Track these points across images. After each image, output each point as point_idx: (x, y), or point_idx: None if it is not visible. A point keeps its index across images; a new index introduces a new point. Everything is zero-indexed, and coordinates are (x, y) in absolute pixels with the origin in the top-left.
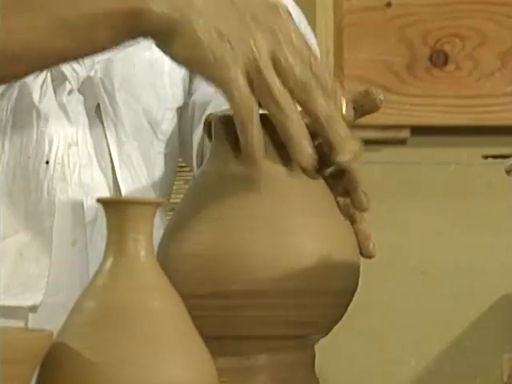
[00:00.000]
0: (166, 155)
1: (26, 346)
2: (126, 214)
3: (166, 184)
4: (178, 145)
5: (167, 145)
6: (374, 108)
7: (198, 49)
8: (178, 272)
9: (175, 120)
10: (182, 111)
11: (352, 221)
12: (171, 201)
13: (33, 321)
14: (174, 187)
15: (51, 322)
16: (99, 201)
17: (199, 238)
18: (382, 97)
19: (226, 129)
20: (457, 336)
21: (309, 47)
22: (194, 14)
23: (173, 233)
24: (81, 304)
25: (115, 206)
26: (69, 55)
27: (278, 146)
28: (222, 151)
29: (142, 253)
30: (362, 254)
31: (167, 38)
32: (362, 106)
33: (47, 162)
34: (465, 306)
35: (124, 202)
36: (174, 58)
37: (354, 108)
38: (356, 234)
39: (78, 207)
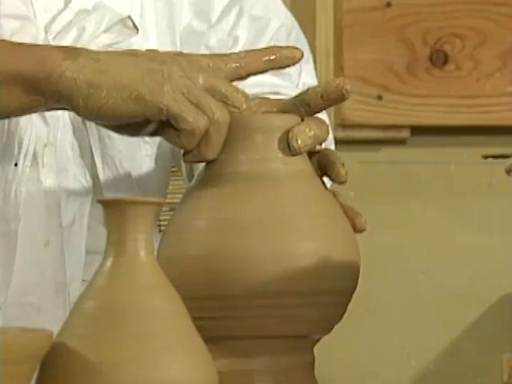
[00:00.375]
0: (155, 158)
1: (25, 346)
2: (126, 213)
3: (156, 187)
4: (172, 155)
5: (156, 148)
6: (340, 97)
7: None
8: (178, 273)
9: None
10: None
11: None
12: (170, 200)
13: (3, 320)
14: (171, 187)
15: (21, 322)
16: (99, 201)
17: (198, 239)
18: (348, 87)
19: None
20: (457, 336)
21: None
22: (106, 78)
23: (172, 233)
24: (81, 304)
25: (115, 206)
26: None
27: (277, 147)
28: (220, 153)
29: (142, 252)
30: (354, 229)
31: (83, 101)
32: (330, 95)
33: (16, 165)
34: (465, 305)
35: (124, 202)
36: (89, 116)
37: (322, 97)
38: (344, 210)
39: (52, 208)
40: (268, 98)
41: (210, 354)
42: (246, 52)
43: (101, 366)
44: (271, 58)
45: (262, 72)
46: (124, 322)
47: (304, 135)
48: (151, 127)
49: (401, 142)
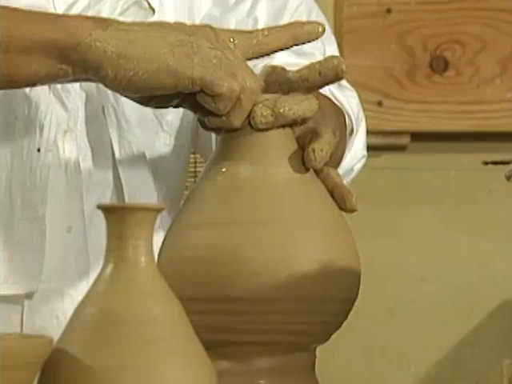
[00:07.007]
0: (174, 148)
1: (25, 352)
2: (127, 220)
3: (173, 177)
4: (199, 145)
5: (175, 138)
6: (335, 77)
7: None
8: (178, 275)
9: (183, 114)
10: None
11: (316, 172)
12: None
13: (28, 307)
14: None
15: (46, 309)
16: (99, 207)
17: (200, 242)
18: (343, 67)
19: (226, 134)
20: (457, 342)
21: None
22: (136, 49)
23: (174, 236)
24: (81, 310)
25: (115, 212)
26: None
27: (279, 152)
28: (224, 156)
29: (142, 259)
30: (343, 208)
31: (112, 72)
32: (326, 73)
33: (39, 150)
34: (465, 311)
35: (124, 209)
36: (117, 87)
37: (320, 73)
38: (333, 189)
39: (74, 194)
40: (275, 69)
41: (210, 357)
42: (269, 29)
43: (101, 372)
44: (294, 33)
45: (285, 48)
46: (124, 328)
47: (264, 112)
48: (177, 100)
49: (401, 148)
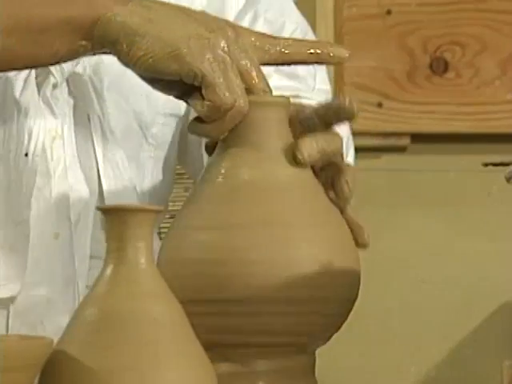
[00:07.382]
0: (158, 161)
1: (25, 353)
2: (127, 221)
3: (159, 190)
4: (187, 161)
5: (160, 150)
6: (350, 117)
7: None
8: (178, 277)
9: (168, 127)
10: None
11: (340, 210)
12: (171, 208)
13: (14, 312)
14: (173, 195)
15: (32, 314)
16: (99, 209)
17: (199, 244)
18: (355, 109)
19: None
20: (457, 343)
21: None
22: (153, 29)
23: (173, 237)
24: (81, 311)
25: (115, 214)
26: (18, 58)
27: (279, 154)
28: (224, 158)
29: (142, 260)
30: (357, 244)
31: (127, 47)
32: (339, 114)
33: (26, 155)
34: (465, 313)
35: (124, 210)
36: (129, 63)
37: (335, 112)
38: (349, 224)
39: (62, 201)
40: (296, 107)
41: (210, 359)
42: (295, 40)
43: (101, 374)
44: (317, 51)
45: (304, 63)
46: (124, 329)
47: (310, 148)
48: (181, 89)
49: (401, 150)
